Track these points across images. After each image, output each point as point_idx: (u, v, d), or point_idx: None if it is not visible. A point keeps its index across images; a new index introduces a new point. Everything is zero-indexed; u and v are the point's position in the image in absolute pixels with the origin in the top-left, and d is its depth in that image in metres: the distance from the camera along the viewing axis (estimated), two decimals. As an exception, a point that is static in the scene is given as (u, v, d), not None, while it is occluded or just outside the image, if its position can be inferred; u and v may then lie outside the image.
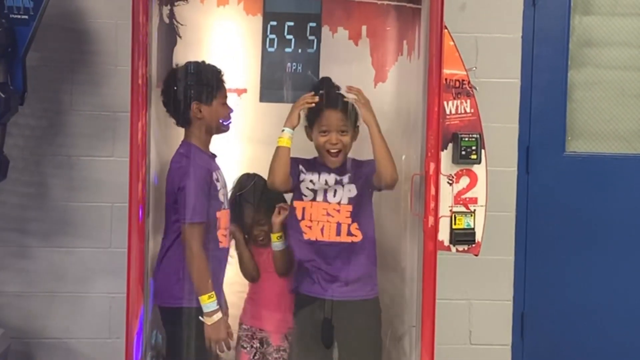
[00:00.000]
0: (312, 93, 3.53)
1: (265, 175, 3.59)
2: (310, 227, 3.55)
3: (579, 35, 4.49)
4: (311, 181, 3.57)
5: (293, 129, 3.50)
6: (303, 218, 3.55)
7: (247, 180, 3.70)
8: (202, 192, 3.42)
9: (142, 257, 3.38)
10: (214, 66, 3.56)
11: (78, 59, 4.17)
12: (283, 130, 3.49)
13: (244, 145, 3.76)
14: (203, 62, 3.55)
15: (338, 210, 3.54)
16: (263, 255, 3.70)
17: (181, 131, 3.56)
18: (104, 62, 4.17)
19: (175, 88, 3.51)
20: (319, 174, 3.57)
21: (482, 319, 4.37)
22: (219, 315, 3.41)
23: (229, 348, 3.49)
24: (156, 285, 3.51)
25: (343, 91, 3.57)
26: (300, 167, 3.58)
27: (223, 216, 3.56)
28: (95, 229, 4.21)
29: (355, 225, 3.54)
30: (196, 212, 3.40)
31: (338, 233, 3.53)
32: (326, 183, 3.55)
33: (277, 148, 3.50)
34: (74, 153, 4.20)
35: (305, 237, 3.55)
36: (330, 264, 3.54)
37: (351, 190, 3.55)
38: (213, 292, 3.40)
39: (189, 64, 3.53)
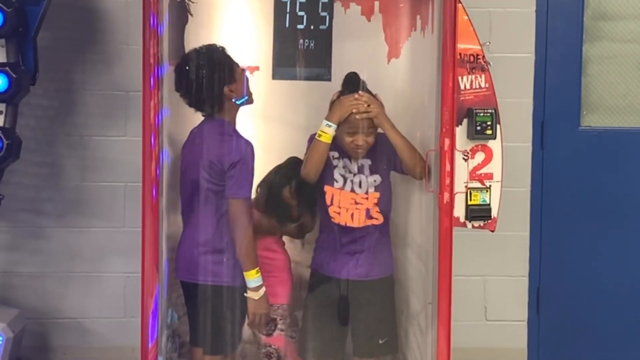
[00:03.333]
0: (356, 96, 3.47)
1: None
2: (339, 213, 3.55)
3: (593, 8, 4.45)
4: (344, 167, 3.56)
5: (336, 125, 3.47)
6: (332, 204, 3.56)
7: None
8: (252, 167, 3.42)
9: (157, 236, 3.37)
10: (214, 44, 3.51)
11: (89, 39, 4.16)
12: (329, 125, 3.45)
13: (256, 123, 3.74)
14: (205, 46, 3.50)
15: (366, 198, 3.54)
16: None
17: (189, 109, 3.54)
18: (115, 41, 4.16)
19: (200, 76, 3.44)
20: (349, 158, 3.57)
21: (497, 295, 4.37)
22: (264, 289, 3.43)
23: (267, 322, 3.53)
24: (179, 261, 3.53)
25: (360, 74, 3.54)
26: (332, 153, 3.55)
27: None
28: (109, 208, 4.21)
29: (377, 209, 3.55)
30: (249, 187, 3.42)
31: (368, 217, 3.55)
32: (350, 171, 3.56)
33: (318, 142, 3.47)
34: (86, 133, 4.19)
35: (334, 221, 3.56)
36: (352, 244, 3.56)
37: (376, 180, 3.56)
38: (258, 267, 3.41)
39: (193, 52, 3.47)
